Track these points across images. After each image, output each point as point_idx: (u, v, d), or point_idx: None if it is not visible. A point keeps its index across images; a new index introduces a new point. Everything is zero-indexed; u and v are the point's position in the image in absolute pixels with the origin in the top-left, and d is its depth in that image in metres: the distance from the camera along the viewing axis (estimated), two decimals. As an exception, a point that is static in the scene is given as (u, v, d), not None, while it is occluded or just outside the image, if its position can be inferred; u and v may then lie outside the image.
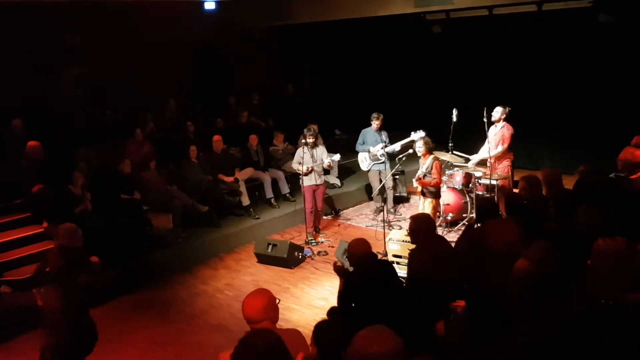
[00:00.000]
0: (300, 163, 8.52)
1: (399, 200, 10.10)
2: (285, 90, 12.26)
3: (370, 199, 9.97)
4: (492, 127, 8.35)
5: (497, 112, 8.29)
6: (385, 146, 9.07)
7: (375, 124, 9.13)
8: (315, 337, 3.07)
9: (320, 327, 3.17)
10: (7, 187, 8.07)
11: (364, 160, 9.37)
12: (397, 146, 9.04)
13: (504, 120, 8.28)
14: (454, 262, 4.49)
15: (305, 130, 8.65)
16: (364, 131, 9.25)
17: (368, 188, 10.40)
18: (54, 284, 4.63)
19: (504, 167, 8.43)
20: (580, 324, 2.71)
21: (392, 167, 9.10)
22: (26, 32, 9.04)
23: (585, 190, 4.79)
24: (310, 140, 8.48)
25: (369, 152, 9.21)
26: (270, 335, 2.53)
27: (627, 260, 2.84)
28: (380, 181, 9.18)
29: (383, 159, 9.11)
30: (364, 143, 9.24)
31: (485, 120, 7.99)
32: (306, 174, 8.51)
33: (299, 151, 8.61)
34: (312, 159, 8.51)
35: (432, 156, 7.71)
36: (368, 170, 9.41)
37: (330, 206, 10.08)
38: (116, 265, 7.57)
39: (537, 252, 3.13)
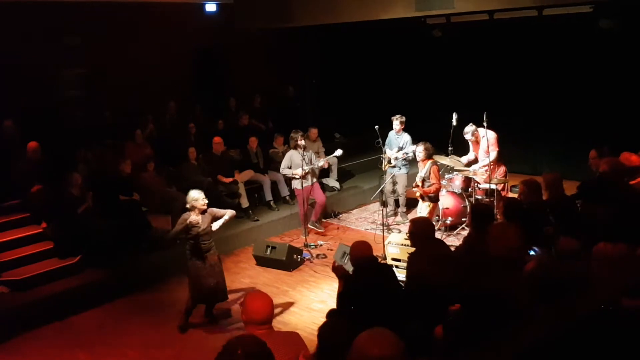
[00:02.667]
0: (289, 167, 8.53)
1: (397, 203, 10.07)
2: (286, 91, 12.26)
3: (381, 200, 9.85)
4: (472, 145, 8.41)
5: (468, 132, 8.31)
6: (400, 150, 9.05)
7: (394, 125, 9.14)
8: (320, 339, 3.06)
9: (325, 329, 3.16)
10: (5, 188, 8.06)
11: (384, 160, 9.37)
12: (408, 152, 9.03)
13: (480, 128, 8.24)
14: (453, 266, 4.48)
15: (293, 133, 8.66)
16: (389, 133, 9.24)
17: (368, 191, 10.40)
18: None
19: (501, 171, 8.43)
20: (580, 329, 2.71)
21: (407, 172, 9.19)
22: (26, 32, 9.03)
23: (591, 194, 4.80)
24: (301, 142, 8.52)
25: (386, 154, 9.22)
26: (254, 341, 2.50)
27: (627, 265, 2.84)
28: (394, 184, 9.20)
29: (396, 162, 9.09)
30: (388, 144, 9.21)
31: (484, 124, 8.00)
32: (304, 177, 8.53)
33: (291, 155, 8.62)
34: (303, 161, 8.53)
35: (430, 161, 7.72)
36: (384, 172, 9.41)
37: (330, 209, 10.06)
38: (115, 267, 7.57)
39: (545, 256, 3.14)
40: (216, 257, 6.44)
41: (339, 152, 8.86)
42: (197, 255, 6.26)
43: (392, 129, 9.28)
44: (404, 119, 9.19)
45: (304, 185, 8.63)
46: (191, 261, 6.29)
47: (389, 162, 9.14)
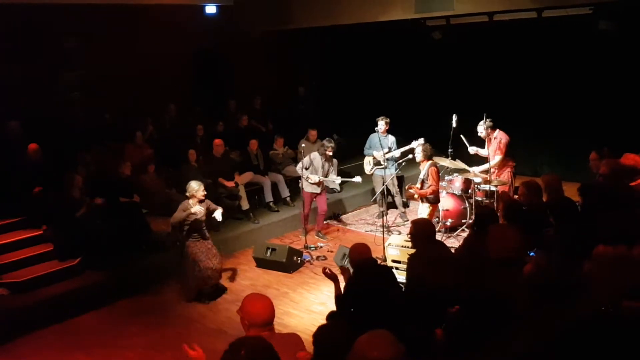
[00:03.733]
0: (307, 168, 8.54)
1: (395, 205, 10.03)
2: (296, 92, 12.27)
3: (374, 201, 9.84)
4: (486, 141, 8.39)
5: (481, 127, 8.28)
6: (389, 151, 9.06)
7: (379, 127, 9.13)
8: (316, 342, 3.05)
9: (321, 332, 3.16)
10: (5, 190, 8.05)
11: (367, 164, 9.40)
12: (397, 152, 9.05)
13: (492, 129, 8.24)
14: (453, 268, 4.48)
15: (326, 141, 8.66)
16: (371, 135, 9.23)
17: (368, 193, 10.40)
18: None
19: (505, 174, 8.43)
20: (580, 331, 2.70)
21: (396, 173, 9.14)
22: (26, 34, 9.04)
23: (591, 196, 4.78)
24: (329, 153, 8.56)
25: (372, 156, 9.22)
26: (257, 342, 2.50)
27: (626, 267, 2.83)
28: (384, 186, 9.19)
29: (385, 164, 9.09)
30: (370, 147, 9.23)
31: (484, 124, 8.01)
32: (317, 184, 8.60)
33: (314, 157, 8.59)
34: (322, 170, 8.53)
35: (429, 162, 7.66)
36: (371, 174, 9.41)
37: (330, 211, 10.04)
38: (114, 269, 7.56)
39: (543, 258, 3.13)
40: (211, 242, 7.08)
41: (357, 178, 8.87)
42: (194, 241, 6.89)
43: (393, 130, 9.27)
44: (388, 120, 9.18)
45: (310, 190, 8.68)
46: (189, 247, 6.88)
47: (378, 163, 9.13)
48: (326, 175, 8.67)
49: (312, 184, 8.61)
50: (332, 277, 4.64)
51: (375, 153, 9.16)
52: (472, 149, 8.59)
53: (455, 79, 11.80)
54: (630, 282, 2.89)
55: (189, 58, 11.25)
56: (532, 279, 3.36)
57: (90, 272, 7.47)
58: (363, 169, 9.65)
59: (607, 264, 2.93)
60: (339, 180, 8.96)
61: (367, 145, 9.31)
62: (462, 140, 8.55)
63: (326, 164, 8.64)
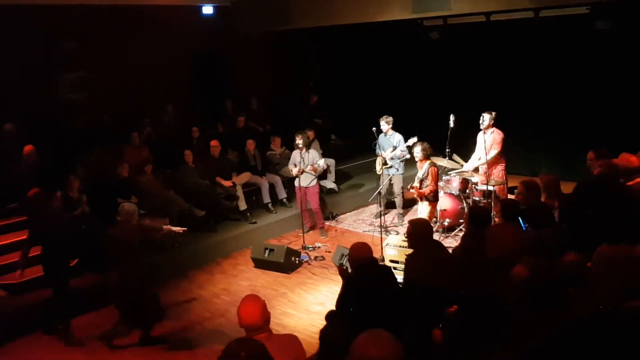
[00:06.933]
0: (295, 165, 8.72)
1: (394, 205, 10.03)
2: (309, 99, 12.26)
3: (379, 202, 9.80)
4: (481, 134, 8.41)
5: (486, 119, 8.32)
6: (394, 149, 9.06)
7: (381, 126, 9.14)
8: (322, 340, 3.03)
9: (327, 330, 3.14)
10: (3, 191, 8.04)
11: (378, 164, 9.37)
12: (397, 152, 9.05)
13: (492, 125, 8.33)
14: (451, 268, 4.48)
15: (295, 134, 8.77)
16: (380, 135, 9.25)
17: (366, 193, 10.40)
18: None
19: (498, 172, 8.44)
20: (580, 331, 2.70)
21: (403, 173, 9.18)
22: (24, 35, 9.02)
23: (588, 195, 4.78)
24: (298, 141, 8.67)
25: (380, 156, 9.23)
26: (254, 345, 2.50)
27: (628, 266, 2.83)
28: (390, 185, 9.20)
29: (391, 163, 9.09)
30: (380, 147, 9.23)
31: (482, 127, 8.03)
32: (297, 176, 8.67)
33: (294, 153, 8.83)
34: (302, 162, 8.58)
35: (428, 162, 7.68)
36: (380, 174, 9.41)
37: (327, 211, 10.04)
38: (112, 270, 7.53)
39: (535, 259, 3.12)
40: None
41: (322, 161, 8.93)
42: None
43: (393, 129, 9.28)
44: (390, 118, 9.16)
45: (298, 184, 8.77)
46: None
47: (385, 163, 9.13)
48: (306, 163, 8.73)
49: (296, 176, 8.74)
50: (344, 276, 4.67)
51: (382, 152, 9.16)
52: (466, 167, 8.68)
53: (452, 79, 11.81)
54: (632, 282, 2.89)
55: (186, 59, 11.23)
56: (528, 282, 3.36)
57: (88, 274, 7.45)
58: (362, 169, 9.64)
59: (608, 264, 2.93)
60: (322, 161, 8.94)
61: (377, 144, 9.29)
62: (458, 161, 8.69)
63: (306, 155, 8.70)
